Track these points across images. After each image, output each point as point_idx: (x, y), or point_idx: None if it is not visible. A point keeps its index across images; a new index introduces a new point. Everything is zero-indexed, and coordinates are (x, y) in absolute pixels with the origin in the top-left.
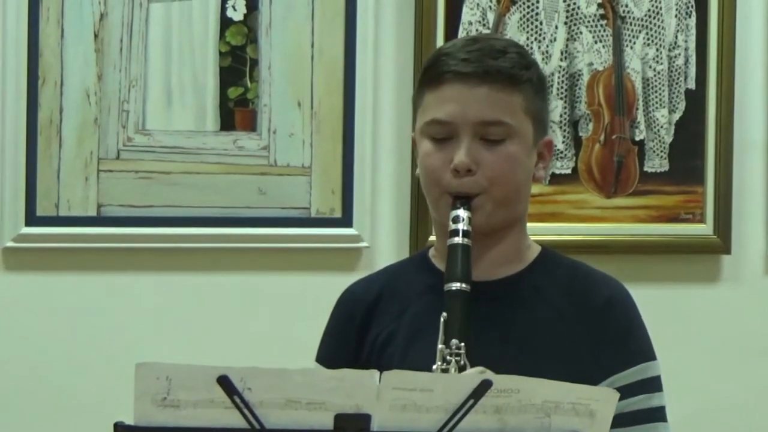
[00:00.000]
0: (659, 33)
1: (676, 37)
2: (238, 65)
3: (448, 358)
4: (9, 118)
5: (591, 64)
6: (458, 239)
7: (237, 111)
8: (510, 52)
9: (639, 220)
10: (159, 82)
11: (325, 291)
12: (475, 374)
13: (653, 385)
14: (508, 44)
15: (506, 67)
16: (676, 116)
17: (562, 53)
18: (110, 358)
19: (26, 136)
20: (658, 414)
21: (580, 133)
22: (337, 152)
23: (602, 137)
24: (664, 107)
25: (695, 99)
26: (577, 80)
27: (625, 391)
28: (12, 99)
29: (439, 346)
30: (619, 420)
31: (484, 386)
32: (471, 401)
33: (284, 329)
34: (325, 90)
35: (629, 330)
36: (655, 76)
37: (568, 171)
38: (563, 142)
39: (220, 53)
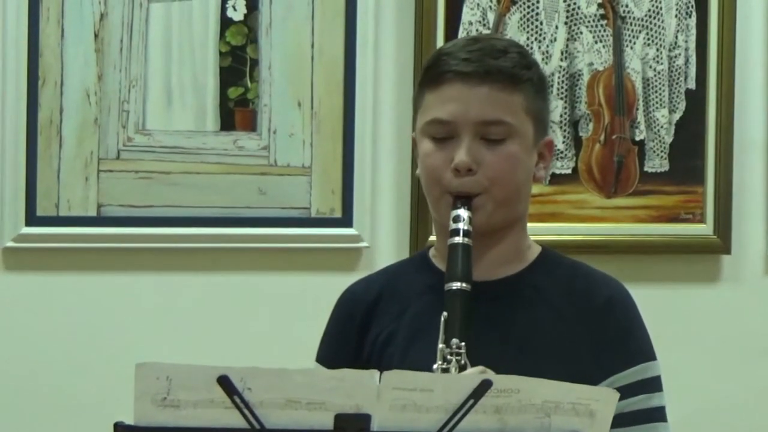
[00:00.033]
0: (659, 33)
1: (676, 37)
2: (238, 65)
3: (448, 357)
4: (9, 118)
5: (591, 64)
6: (459, 239)
7: (237, 111)
8: (511, 51)
9: (639, 220)
10: (159, 82)
11: (325, 291)
12: (475, 374)
13: (653, 385)
14: (509, 44)
15: (507, 67)
16: (676, 116)
17: (562, 53)
18: (110, 358)
19: (26, 136)
20: (658, 414)
21: (580, 133)
22: (337, 152)
23: (602, 137)
24: (664, 107)
25: (695, 99)
26: (578, 80)
27: (625, 391)
28: (12, 99)
29: (440, 345)
30: (619, 420)
31: (484, 386)
32: (471, 401)
33: (284, 329)
34: (325, 90)
35: (629, 330)
36: (655, 76)
37: (568, 171)
38: (563, 142)
39: (220, 53)
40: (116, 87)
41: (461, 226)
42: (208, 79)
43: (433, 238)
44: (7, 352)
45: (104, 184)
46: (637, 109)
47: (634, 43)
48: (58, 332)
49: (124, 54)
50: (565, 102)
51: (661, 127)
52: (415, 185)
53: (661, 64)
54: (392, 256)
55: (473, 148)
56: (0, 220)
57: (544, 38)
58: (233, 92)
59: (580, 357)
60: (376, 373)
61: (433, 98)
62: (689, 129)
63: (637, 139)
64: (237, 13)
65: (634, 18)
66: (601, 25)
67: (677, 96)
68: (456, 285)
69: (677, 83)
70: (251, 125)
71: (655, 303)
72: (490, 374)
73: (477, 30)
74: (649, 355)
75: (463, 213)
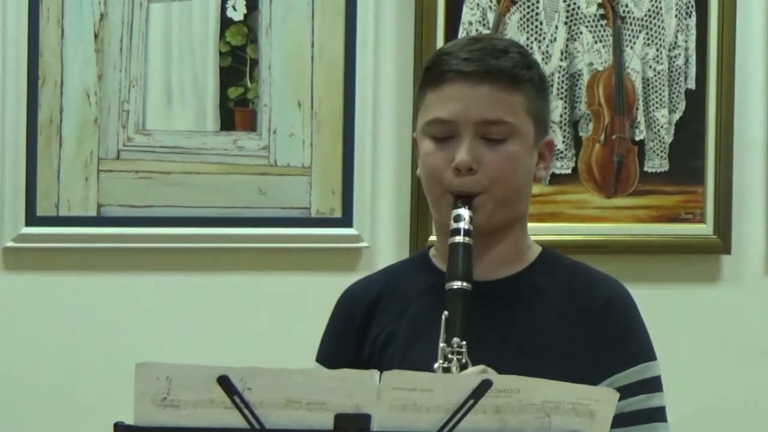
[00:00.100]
0: (659, 33)
1: (676, 37)
2: (238, 65)
3: (449, 356)
4: (9, 118)
5: (591, 64)
6: (460, 238)
7: (237, 111)
8: (511, 51)
9: (639, 220)
10: (159, 82)
11: (325, 291)
12: (475, 374)
13: (653, 385)
14: (510, 44)
15: (508, 67)
16: (676, 116)
17: (562, 53)
18: (110, 358)
19: (26, 136)
20: (658, 414)
21: (580, 133)
22: (337, 152)
23: (602, 137)
24: (664, 107)
25: (695, 99)
26: (577, 80)
27: (625, 391)
28: (12, 99)
29: (441, 344)
30: (619, 420)
31: (484, 386)
32: (471, 401)
33: (284, 329)
34: (325, 90)
35: (629, 330)
36: (655, 76)
37: (568, 171)
38: (563, 142)
39: (220, 53)
40: (116, 87)
41: (462, 225)
42: (208, 79)
43: (433, 238)
44: (7, 352)
45: (104, 184)
46: (637, 109)
47: (634, 43)
48: (58, 332)
49: (124, 54)
50: (565, 102)
51: (661, 127)
52: (415, 185)
53: (661, 64)
54: (392, 256)
55: (474, 147)
56: (0, 220)
57: (544, 38)
58: (233, 92)
59: (580, 357)
60: (376, 373)
61: (434, 98)
62: (689, 129)
63: (637, 139)
64: (237, 13)
65: (634, 18)
66: (601, 25)
67: (677, 96)
68: (457, 284)
69: (677, 83)
70: (251, 125)
71: (655, 303)
72: (491, 373)
73: (477, 30)
74: (649, 355)
75: (463, 212)
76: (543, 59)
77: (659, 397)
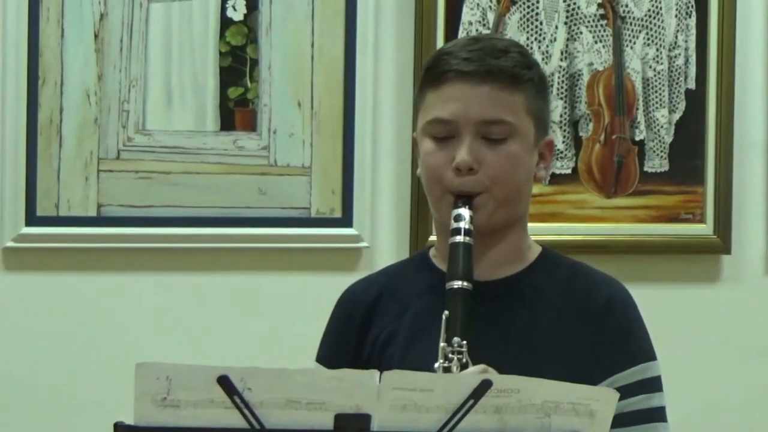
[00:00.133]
0: (659, 33)
1: (676, 37)
2: (238, 65)
3: (450, 355)
4: (9, 118)
5: (591, 64)
6: (460, 237)
7: (237, 111)
8: (512, 51)
9: (639, 220)
10: (159, 82)
11: (325, 291)
12: (475, 374)
13: (653, 385)
14: (510, 44)
15: (508, 67)
16: (676, 116)
17: (562, 53)
18: (110, 358)
19: (26, 136)
20: (658, 414)
21: (580, 133)
22: (337, 152)
23: (602, 137)
24: (664, 107)
25: (695, 99)
26: (577, 80)
27: (625, 391)
28: (12, 99)
29: (441, 343)
30: (619, 420)
31: (484, 386)
32: (471, 401)
33: (284, 329)
34: (325, 90)
35: (629, 330)
36: (655, 76)
37: (568, 171)
38: (563, 142)
39: (220, 53)
40: (116, 87)
41: (462, 225)
42: (208, 79)
43: (433, 237)
44: (7, 352)
45: (104, 184)
46: (637, 109)
47: (634, 43)
48: (58, 332)
49: (124, 54)
50: (565, 102)
51: (661, 127)
52: (415, 185)
53: (661, 64)
54: (392, 256)
55: (474, 147)
56: (0, 220)
57: (544, 38)
58: (233, 92)
59: (580, 357)
60: (376, 373)
61: (434, 98)
62: (689, 129)
63: (637, 139)
64: (237, 13)
65: (633, 18)
66: (601, 25)
67: (677, 96)
68: (457, 284)
69: (677, 83)
70: (251, 125)
71: (655, 303)
72: (491, 373)
73: (477, 30)
74: (649, 355)
75: (464, 212)
76: (543, 59)
77: (659, 397)
